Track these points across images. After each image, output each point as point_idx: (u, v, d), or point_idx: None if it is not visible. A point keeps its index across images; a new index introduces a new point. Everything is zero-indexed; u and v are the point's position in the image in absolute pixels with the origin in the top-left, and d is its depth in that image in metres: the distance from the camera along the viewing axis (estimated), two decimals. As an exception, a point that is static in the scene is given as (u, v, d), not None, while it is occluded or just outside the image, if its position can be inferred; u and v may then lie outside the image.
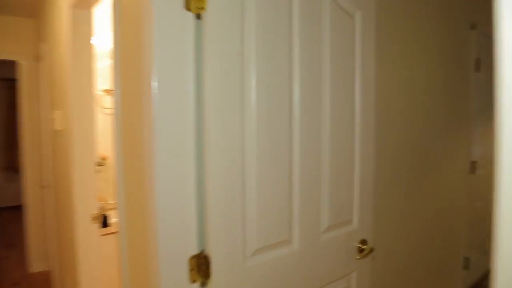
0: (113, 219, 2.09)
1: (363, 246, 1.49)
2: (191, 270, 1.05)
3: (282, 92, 1.17)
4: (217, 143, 1.02)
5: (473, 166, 2.92)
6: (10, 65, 3.68)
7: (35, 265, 3.68)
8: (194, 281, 1.05)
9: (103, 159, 2.67)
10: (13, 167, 6.01)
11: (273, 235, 1.18)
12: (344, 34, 1.35)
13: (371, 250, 1.48)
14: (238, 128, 1.06)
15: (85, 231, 2.01)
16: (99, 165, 2.33)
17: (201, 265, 1.05)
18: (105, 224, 1.98)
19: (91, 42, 1.99)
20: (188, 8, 1.00)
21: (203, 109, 1.02)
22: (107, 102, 2.66)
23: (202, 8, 1.01)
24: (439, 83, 2.43)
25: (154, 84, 0.95)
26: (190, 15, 1.01)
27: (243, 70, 1.07)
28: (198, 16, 1.02)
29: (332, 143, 1.34)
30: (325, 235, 1.36)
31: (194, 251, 1.05)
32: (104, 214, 2.00)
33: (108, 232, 2.17)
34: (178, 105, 1.00)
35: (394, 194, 2.07)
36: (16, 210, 5.07)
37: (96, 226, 2.03)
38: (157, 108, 0.96)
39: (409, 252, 2.27)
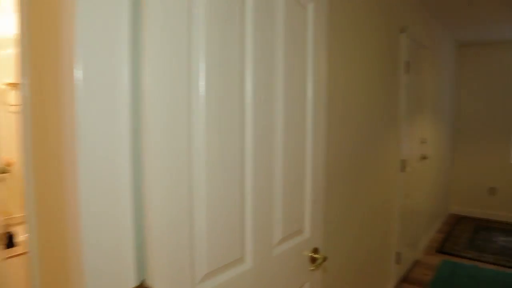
0: (21, 236, 1.75)
1: (316, 255, 1.39)
2: (128, 306, 0.84)
3: (234, 90, 1.01)
4: (158, 146, 0.83)
5: (403, 164, 3.02)
6: None
7: None
8: (132, 320, 0.85)
9: (8, 165, 2.26)
10: None
11: (224, 255, 1.01)
12: (297, 26, 1.23)
13: (324, 259, 1.38)
14: (184, 128, 0.88)
15: (-16, 253, 1.65)
16: (2, 172, 1.95)
17: (140, 299, 0.85)
18: (10, 244, 1.64)
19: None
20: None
21: (141, 104, 0.81)
22: (12, 97, 2.26)
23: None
24: (375, 84, 2.45)
25: (78, 73, 0.73)
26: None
27: (190, 59, 0.88)
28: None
29: (285, 146, 1.21)
30: (278, 248, 1.22)
31: (132, 283, 0.85)
32: (8, 232, 1.65)
33: (15, 254, 1.81)
34: (108, 99, 0.78)
35: (336, 195, 2.01)
36: None
37: (-2, 247, 1.68)
38: (82, 103, 0.74)
39: (349, 251, 2.24)
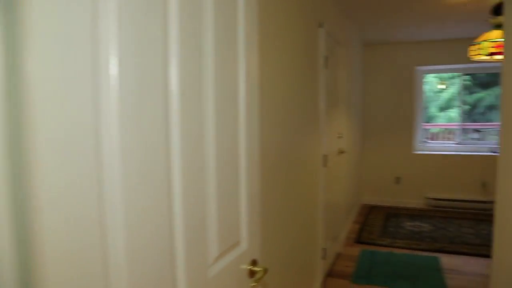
0: None
1: (255, 268, 1.22)
2: None
3: (156, 79, 0.78)
4: (50, 143, 0.58)
5: (325, 160, 3.00)
6: None
7: None
8: None
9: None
10: None
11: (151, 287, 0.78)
12: (227, 7, 1.04)
13: (265, 272, 1.21)
14: (89, 122, 0.64)
15: None
16: None
17: None
18: None
19: None
20: None
21: (21, 98, 0.56)
22: None
23: None
24: (298, 78, 2.37)
25: None
26: None
27: (97, 41, 0.64)
28: None
29: (218, 147, 1.02)
30: (214, 267, 1.03)
31: None
32: None
33: None
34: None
35: (267, 196, 1.87)
36: None
37: None
38: None
39: (280, 252, 2.12)
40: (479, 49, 3.07)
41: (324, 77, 2.89)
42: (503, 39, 2.98)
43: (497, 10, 3.14)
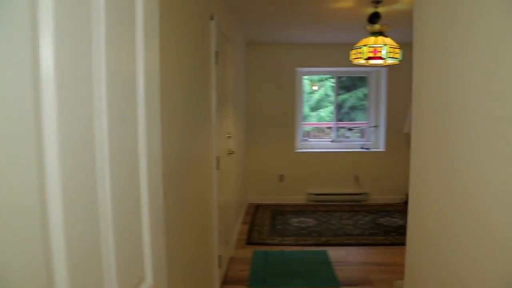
0: None
1: (163, 307, 0.97)
2: None
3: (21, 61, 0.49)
4: None
5: (218, 161, 2.83)
6: None
7: None
8: None
9: None
10: None
11: None
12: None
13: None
14: None
15: None
16: None
17: None
18: None
19: None
20: None
21: None
22: None
23: None
24: (190, 75, 2.13)
25: None
26: None
27: None
28: None
29: (113, 154, 0.75)
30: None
31: None
32: None
33: None
34: None
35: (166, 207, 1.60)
36: None
37: None
38: None
39: (178, 264, 1.87)
40: (359, 53, 3.25)
41: (216, 74, 2.71)
42: (380, 45, 3.21)
43: (373, 18, 3.38)
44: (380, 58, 3.20)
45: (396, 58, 3.25)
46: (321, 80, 12.69)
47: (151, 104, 0.95)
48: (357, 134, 6.60)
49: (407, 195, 5.61)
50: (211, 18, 2.58)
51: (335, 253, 3.83)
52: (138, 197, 0.89)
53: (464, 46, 1.28)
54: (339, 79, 6.12)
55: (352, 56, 3.36)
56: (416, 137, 1.60)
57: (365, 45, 3.21)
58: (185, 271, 1.99)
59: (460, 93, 1.31)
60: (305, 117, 6.46)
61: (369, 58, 3.25)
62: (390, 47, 3.19)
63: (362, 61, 3.53)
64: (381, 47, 3.17)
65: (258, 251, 3.91)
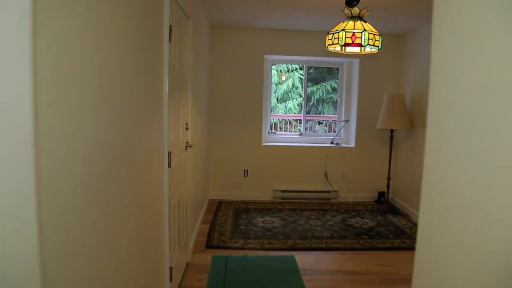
0: None
1: None
2: None
3: None
4: None
5: (169, 158, 2.38)
6: None
7: None
8: None
9: None
10: None
11: None
12: None
13: None
14: None
15: None
16: None
17: None
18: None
19: None
20: None
21: None
22: None
23: None
24: (131, 57, 1.68)
25: None
26: None
27: None
28: None
29: None
30: None
31: None
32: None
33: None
34: None
35: (85, 209, 1.16)
36: None
37: None
38: None
39: (111, 278, 1.43)
40: (336, 38, 2.89)
41: (169, 53, 2.26)
42: (359, 30, 2.86)
43: (352, 1, 3.02)
44: (359, 45, 2.85)
45: (376, 46, 2.92)
46: (289, 71, 12.42)
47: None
48: (325, 128, 6.32)
49: (379, 193, 5.39)
50: (164, -14, 2.12)
51: (304, 259, 3.49)
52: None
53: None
54: (309, 69, 5.75)
55: (328, 42, 2.99)
56: (433, 133, 1.22)
57: (343, 30, 2.85)
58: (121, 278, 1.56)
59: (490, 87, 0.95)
60: (272, 109, 6.07)
61: (346, 44, 2.89)
62: (370, 33, 2.85)
63: (337, 48, 3.18)
64: (360, 32, 2.82)
65: (218, 257, 3.51)
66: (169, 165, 2.38)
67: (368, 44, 2.83)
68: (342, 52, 3.23)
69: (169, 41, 2.26)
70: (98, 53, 1.27)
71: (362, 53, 3.20)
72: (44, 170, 0.90)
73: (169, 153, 2.36)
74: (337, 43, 2.88)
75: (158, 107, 2.16)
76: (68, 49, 1.06)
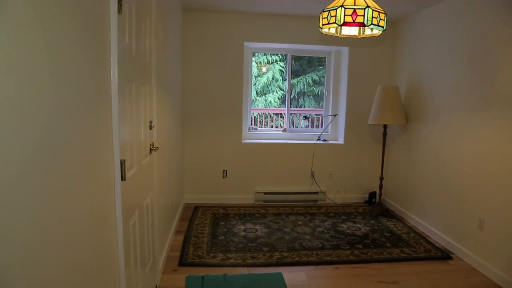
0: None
1: None
2: None
3: None
4: None
5: (123, 168, 1.82)
6: None
7: None
8: None
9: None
10: None
11: None
12: None
13: None
14: None
15: None
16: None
17: None
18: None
19: None
20: None
21: None
22: None
23: None
24: (63, 30, 1.12)
25: None
26: None
27: None
28: None
29: None
30: None
31: None
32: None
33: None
34: None
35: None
36: None
37: None
38: None
39: None
40: (332, 16, 2.37)
41: (119, 30, 1.68)
42: (361, 7, 2.35)
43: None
44: (361, 24, 2.34)
45: (381, 26, 2.41)
46: (269, 63, 11.89)
47: None
48: (307, 122, 5.82)
49: (369, 194, 4.92)
50: None
51: (293, 277, 3.00)
52: None
53: None
54: (292, 59, 5.23)
55: (323, 21, 2.46)
56: None
57: (341, 6, 2.33)
58: None
59: None
60: (252, 102, 5.53)
61: (345, 24, 2.37)
62: (374, 11, 2.34)
63: (332, 30, 2.67)
64: (363, 9, 2.31)
65: (193, 277, 2.95)
66: (123, 178, 1.81)
67: (372, 24, 2.33)
68: (338, 35, 2.73)
69: (119, 12, 1.68)
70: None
71: (361, 36, 2.70)
72: None
73: (122, 162, 1.80)
74: (334, 22, 2.36)
75: (104, 102, 1.60)
76: None
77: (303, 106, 11.32)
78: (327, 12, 2.40)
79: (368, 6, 2.31)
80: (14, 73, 0.92)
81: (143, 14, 2.30)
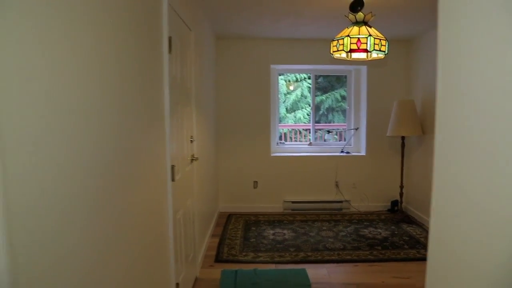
0: None
1: None
2: None
3: None
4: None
5: (173, 172, 2.33)
6: None
7: None
8: None
9: None
10: None
11: None
12: None
13: None
14: None
15: None
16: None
17: None
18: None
19: None
20: None
21: None
22: None
23: None
24: (132, 69, 1.65)
25: None
26: None
27: None
28: None
29: None
30: None
31: None
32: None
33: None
34: None
35: (84, 224, 1.11)
36: None
37: None
38: None
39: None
40: (340, 45, 2.83)
41: (169, 64, 2.22)
42: (364, 36, 2.80)
43: (356, 6, 2.96)
44: (365, 50, 2.78)
45: (383, 51, 2.84)
46: (297, 81, 12.38)
47: None
48: (335, 136, 6.22)
49: (391, 202, 5.25)
50: (163, -4, 2.09)
51: (315, 272, 3.38)
52: None
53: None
54: (316, 78, 5.68)
55: (333, 49, 2.93)
56: (442, 139, 1.15)
57: (347, 36, 2.78)
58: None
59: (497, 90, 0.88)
60: (281, 119, 6.01)
61: (352, 50, 2.83)
62: (376, 38, 2.78)
63: (343, 55, 3.12)
64: (365, 38, 2.75)
65: (227, 271, 3.42)
66: (173, 179, 2.32)
67: (374, 50, 2.77)
68: (348, 59, 3.17)
69: (169, 52, 2.22)
70: (99, 66, 1.23)
71: (369, 59, 3.14)
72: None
73: (172, 167, 2.31)
74: (342, 50, 2.82)
75: (160, 121, 2.12)
76: (72, 65, 1.01)
77: (332, 122, 11.68)
78: (336, 41, 2.87)
79: (370, 35, 2.75)
80: (108, 98, 1.44)
81: (185, 48, 2.85)
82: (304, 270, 3.42)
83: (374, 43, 2.75)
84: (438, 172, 1.16)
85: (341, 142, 5.89)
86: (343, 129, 6.03)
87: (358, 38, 2.76)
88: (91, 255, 1.22)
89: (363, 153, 5.45)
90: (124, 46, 1.56)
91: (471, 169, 0.99)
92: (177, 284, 2.49)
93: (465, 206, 1.02)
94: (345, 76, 5.71)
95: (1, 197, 0.77)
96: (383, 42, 2.82)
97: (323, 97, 11.78)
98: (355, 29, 2.81)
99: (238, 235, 4.36)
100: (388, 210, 5.35)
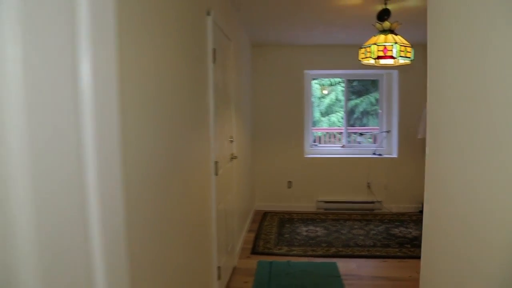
0: None
1: None
2: None
3: None
4: None
5: (216, 167, 2.65)
6: None
7: None
8: None
9: None
10: None
11: None
12: None
13: None
14: None
15: None
16: None
17: None
18: None
19: None
20: None
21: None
22: None
23: None
24: (182, 74, 1.97)
25: None
26: None
27: None
28: None
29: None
30: None
31: None
32: None
33: None
34: None
35: (146, 209, 1.43)
36: None
37: None
38: None
39: (168, 275, 1.69)
40: (368, 52, 3.06)
41: (213, 73, 2.54)
42: (390, 43, 3.01)
43: (383, 15, 3.18)
44: (391, 57, 3.00)
45: (408, 57, 3.04)
46: (331, 85, 12.52)
47: (103, 107, 0.78)
48: (369, 139, 6.37)
49: (422, 204, 5.35)
50: (208, 14, 2.42)
51: (345, 266, 3.60)
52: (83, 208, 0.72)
53: (483, 47, 1.10)
54: (349, 83, 5.89)
55: (361, 56, 3.16)
56: (431, 141, 1.40)
57: (374, 44, 3.01)
58: (174, 284, 1.81)
59: (482, 94, 1.12)
60: (316, 122, 6.25)
61: (379, 57, 3.05)
62: (401, 46, 2.99)
63: (371, 61, 3.33)
64: (391, 45, 2.97)
65: (263, 262, 3.70)
66: (216, 173, 2.64)
67: (400, 56, 2.97)
68: (377, 65, 3.38)
69: (213, 62, 2.55)
70: (158, 80, 1.57)
71: (397, 64, 3.33)
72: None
73: (216, 163, 2.63)
74: (370, 57, 3.05)
75: (205, 122, 2.44)
76: (138, 83, 1.34)
77: (366, 125, 11.73)
78: (364, 48, 3.10)
79: (396, 42, 2.96)
80: (166, 105, 1.76)
81: (225, 57, 3.17)
82: (334, 264, 3.64)
83: (400, 50, 2.96)
84: (429, 170, 1.40)
85: (373, 144, 6.04)
86: (375, 131, 6.17)
87: (385, 45, 2.97)
88: (162, 226, 1.55)
89: (394, 155, 5.58)
90: (179, 61, 1.89)
91: (455, 166, 1.22)
92: (219, 268, 2.80)
93: (448, 197, 1.26)
94: (378, 80, 5.87)
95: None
96: (409, 49, 3.02)
97: (358, 100, 11.86)
98: (382, 37, 3.03)
99: (273, 231, 4.64)
100: (420, 211, 5.44)
